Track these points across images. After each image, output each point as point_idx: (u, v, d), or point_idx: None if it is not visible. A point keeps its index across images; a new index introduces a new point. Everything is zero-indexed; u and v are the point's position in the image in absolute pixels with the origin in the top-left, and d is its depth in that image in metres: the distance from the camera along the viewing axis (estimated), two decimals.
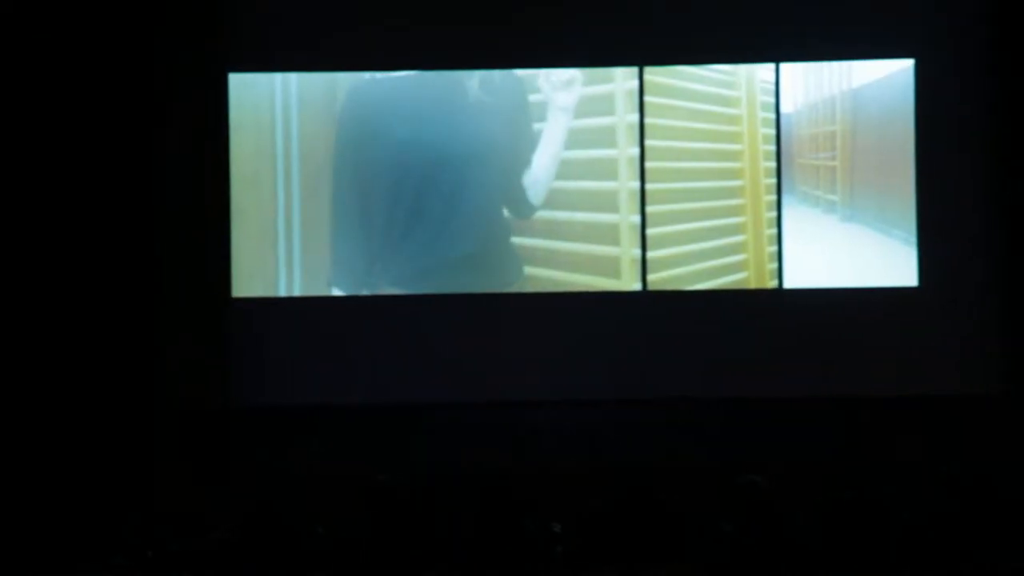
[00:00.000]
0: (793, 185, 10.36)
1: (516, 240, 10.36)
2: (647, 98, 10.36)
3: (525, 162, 10.38)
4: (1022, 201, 10.11)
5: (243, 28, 10.37)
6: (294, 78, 10.38)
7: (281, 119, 10.39)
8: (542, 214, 10.37)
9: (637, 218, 10.34)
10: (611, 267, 10.37)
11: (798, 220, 10.34)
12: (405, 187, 10.41)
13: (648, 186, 10.35)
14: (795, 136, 10.42)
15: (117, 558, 7.06)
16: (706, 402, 10.21)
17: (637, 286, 10.36)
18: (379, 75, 10.43)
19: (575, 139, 10.38)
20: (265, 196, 10.36)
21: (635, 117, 10.38)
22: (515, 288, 10.38)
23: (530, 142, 10.37)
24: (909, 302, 10.26)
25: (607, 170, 10.39)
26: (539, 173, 10.38)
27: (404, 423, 10.19)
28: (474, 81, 10.40)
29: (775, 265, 10.36)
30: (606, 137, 10.41)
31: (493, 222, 10.36)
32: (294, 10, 10.40)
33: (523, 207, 10.40)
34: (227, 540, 6.69)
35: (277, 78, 10.38)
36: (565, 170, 10.37)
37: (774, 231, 10.35)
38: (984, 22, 10.28)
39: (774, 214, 10.36)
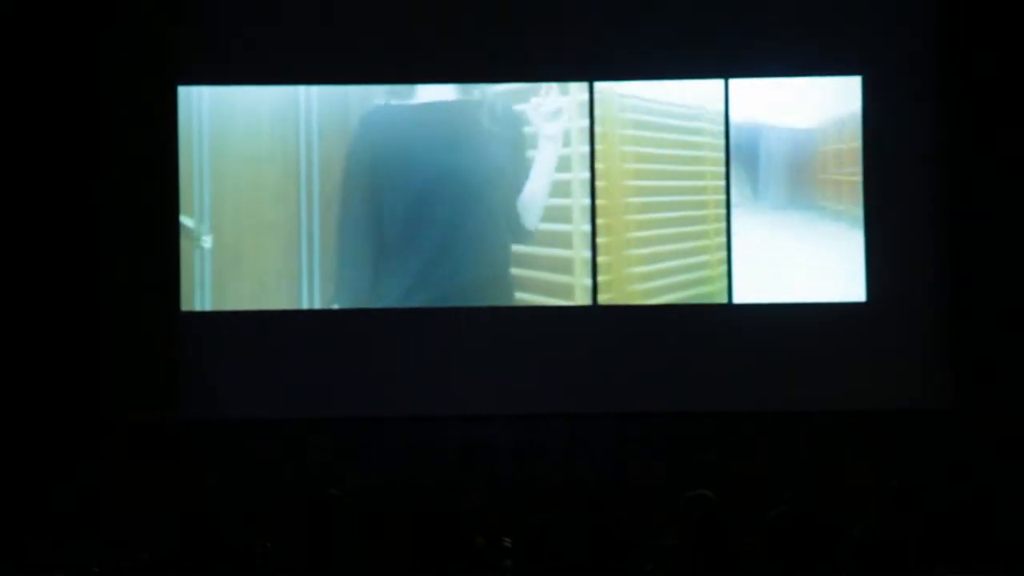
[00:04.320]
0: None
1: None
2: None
3: (520, 189, 10.47)
4: (970, 217, 10.19)
5: (194, 42, 10.34)
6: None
7: (304, 136, 10.45)
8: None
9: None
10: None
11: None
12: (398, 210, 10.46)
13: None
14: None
15: (59, 574, 6.99)
16: (656, 416, 10.23)
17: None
18: (393, 102, 10.44)
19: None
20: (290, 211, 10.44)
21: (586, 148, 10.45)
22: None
23: (526, 171, 10.46)
24: (857, 317, 10.33)
25: (562, 190, 10.49)
26: (533, 198, 10.41)
27: (354, 437, 10.16)
28: (483, 112, 10.44)
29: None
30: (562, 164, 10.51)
31: (493, 247, 10.46)
32: (245, 24, 10.38)
33: (520, 231, 10.44)
34: (175, 555, 6.63)
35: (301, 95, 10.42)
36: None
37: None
38: (931, 39, 10.37)
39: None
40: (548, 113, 10.45)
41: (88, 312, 10.02)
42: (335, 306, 10.42)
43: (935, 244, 10.34)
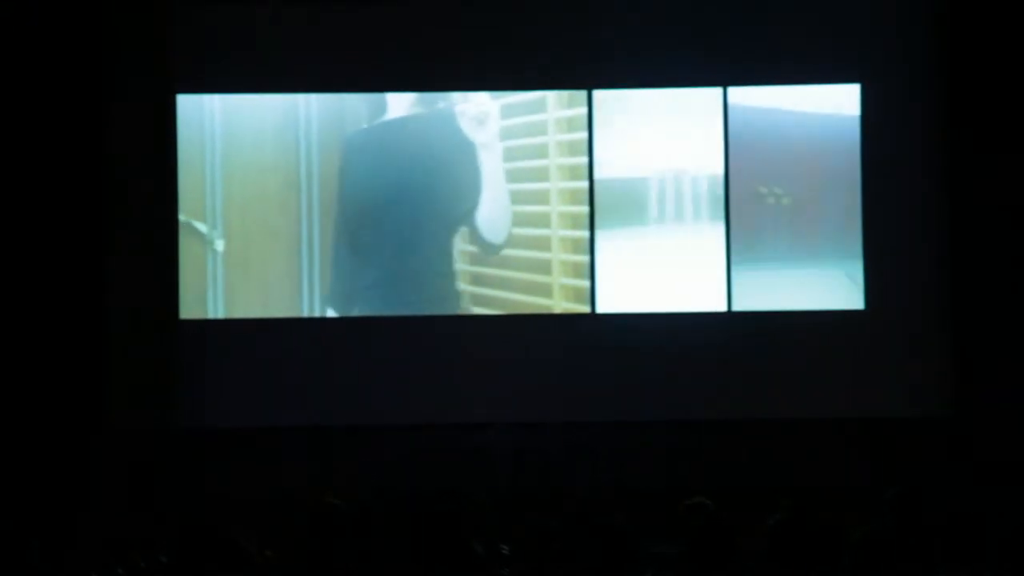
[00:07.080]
0: None
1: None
2: None
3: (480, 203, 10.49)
4: (968, 224, 10.20)
5: (192, 49, 10.35)
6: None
7: (304, 146, 10.47)
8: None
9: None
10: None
11: None
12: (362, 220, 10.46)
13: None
14: None
15: None
16: (655, 424, 10.23)
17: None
18: (372, 122, 10.45)
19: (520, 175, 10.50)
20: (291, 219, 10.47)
21: (565, 160, 10.45)
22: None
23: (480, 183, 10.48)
24: (856, 325, 10.33)
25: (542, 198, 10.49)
26: (488, 214, 10.40)
27: (351, 445, 10.16)
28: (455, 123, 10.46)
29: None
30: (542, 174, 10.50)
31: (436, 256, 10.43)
32: (243, 32, 10.39)
33: (485, 247, 10.43)
34: (172, 563, 6.64)
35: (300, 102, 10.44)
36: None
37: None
38: (929, 47, 10.38)
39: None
40: (474, 119, 10.45)
41: (88, 319, 10.03)
42: (334, 314, 10.43)
43: (933, 251, 10.34)
